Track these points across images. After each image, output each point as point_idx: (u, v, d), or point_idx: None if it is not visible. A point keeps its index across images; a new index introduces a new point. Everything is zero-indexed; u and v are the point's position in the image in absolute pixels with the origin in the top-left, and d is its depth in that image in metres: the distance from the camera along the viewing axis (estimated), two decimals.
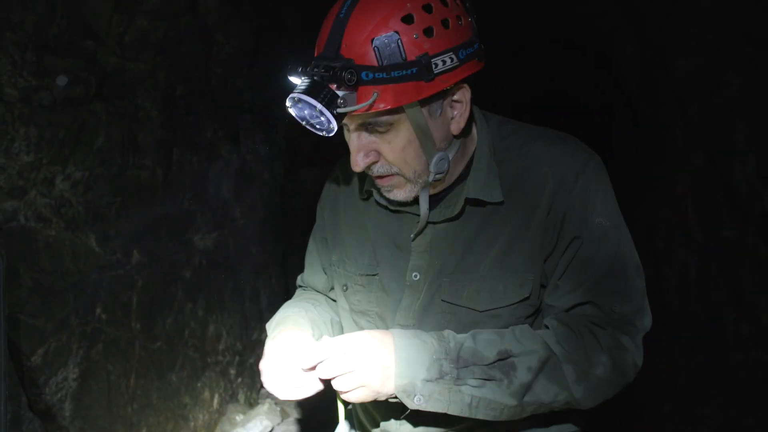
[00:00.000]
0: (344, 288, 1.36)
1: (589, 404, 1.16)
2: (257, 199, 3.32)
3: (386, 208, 1.28)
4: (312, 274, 1.51)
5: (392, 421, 1.33)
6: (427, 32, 1.05)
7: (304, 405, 3.43)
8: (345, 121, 1.09)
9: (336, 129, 1.04)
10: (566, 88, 4.60)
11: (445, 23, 1.06)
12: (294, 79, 1.07)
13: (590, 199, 1.18)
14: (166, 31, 2.46)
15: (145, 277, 2.45)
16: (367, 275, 1.31)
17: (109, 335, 2.23)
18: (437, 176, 1.16)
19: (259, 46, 3.21)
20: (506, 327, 1.20)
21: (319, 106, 1.00)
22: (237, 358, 3.21)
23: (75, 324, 2.07)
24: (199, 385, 2.87)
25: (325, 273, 1.48)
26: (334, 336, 1.32)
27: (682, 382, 3.07)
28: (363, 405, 1.43)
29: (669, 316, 3.42)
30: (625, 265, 1.20)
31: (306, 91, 1.01)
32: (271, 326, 1.34)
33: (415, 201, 1.22)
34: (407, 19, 1.03)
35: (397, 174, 1.15)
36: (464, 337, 1.14)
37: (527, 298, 1.21)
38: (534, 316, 1.25)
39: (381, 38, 1.02)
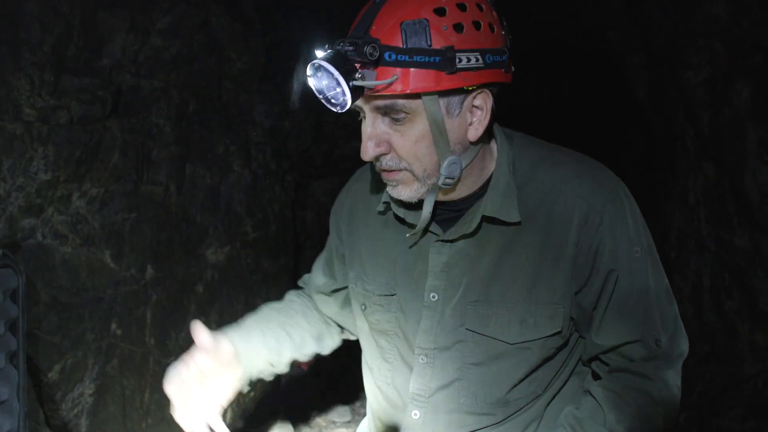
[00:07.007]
0: (362, 307, 1.34)
1: None
2: (269, 213, 3.34)
3: (403, 221, 1.25)
4: (316, 274, 1.52)
5: None
6: (457, 27, 1.05)
7: (317, 420, 3.42)
8: (361, 103, 1.09)
9: (349, 104, 1.03)
10: (575, 99, 4.60)
11: (476, 24, 1.07)
12: (320, 54, 1.08)
13: (619, 229, 1.15)
14: (179, 48, 2.49)
15: (158, 292, 2.47)
16: (386, 295, 1.28)
17: (123, 350, 2.24)
18: (447, 181, 1.13)
19: (270, 62, 3.24)
20: (536, 360, 1.19)
21: (336, 73, 1.00)
22: None
23: (91, 340, 2.09)
24: None
25: (325, 276, 1.49)
26: (297, 354, 1.39)
27: (697, 393, 3.04)
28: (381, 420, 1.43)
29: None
30: (660, 293, 1.19)
31: (327, 59, 1.01)
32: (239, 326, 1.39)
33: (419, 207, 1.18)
34: (439, 11, 1.05)
35: (406, 170, 1.12)
36: None
37: (559, 332, 1.18)
38: (563, 348, 1.22)
39: (409, 22, 1.03)
